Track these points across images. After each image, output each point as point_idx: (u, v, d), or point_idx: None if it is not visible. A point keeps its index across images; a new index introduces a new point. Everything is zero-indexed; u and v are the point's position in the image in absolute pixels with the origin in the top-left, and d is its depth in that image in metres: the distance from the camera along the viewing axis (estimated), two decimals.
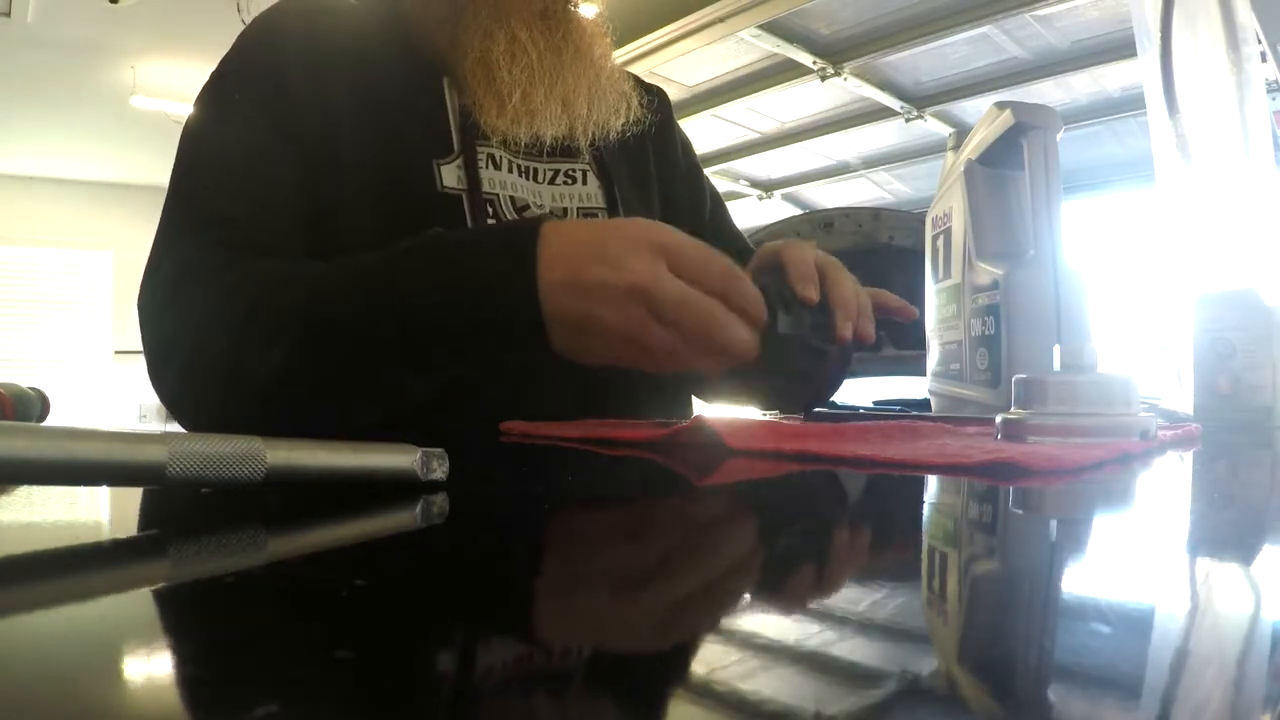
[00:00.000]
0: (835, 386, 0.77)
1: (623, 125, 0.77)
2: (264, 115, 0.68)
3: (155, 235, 0.65)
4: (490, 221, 0.72)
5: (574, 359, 0.53)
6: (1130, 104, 3.47)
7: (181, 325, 0.59)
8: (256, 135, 0.67)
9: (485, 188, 0.73)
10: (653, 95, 0.93)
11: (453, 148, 0.73)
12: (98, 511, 0.29)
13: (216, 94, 0.70)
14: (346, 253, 0.57)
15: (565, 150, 0.77)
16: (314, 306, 0.55)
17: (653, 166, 0.90)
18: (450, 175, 0.72)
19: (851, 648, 0.15)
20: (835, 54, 3.40)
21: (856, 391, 1.00)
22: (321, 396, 0.55)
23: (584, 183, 0.81)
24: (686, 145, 0.99)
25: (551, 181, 0.79)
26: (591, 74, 0.75)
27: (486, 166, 0.74)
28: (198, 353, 0.57)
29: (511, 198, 0.75)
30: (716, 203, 0.99)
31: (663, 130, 0.93)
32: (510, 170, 0.76)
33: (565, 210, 0.78)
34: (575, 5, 0.76)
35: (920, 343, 0.88)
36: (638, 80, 0.95)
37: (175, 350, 0.59)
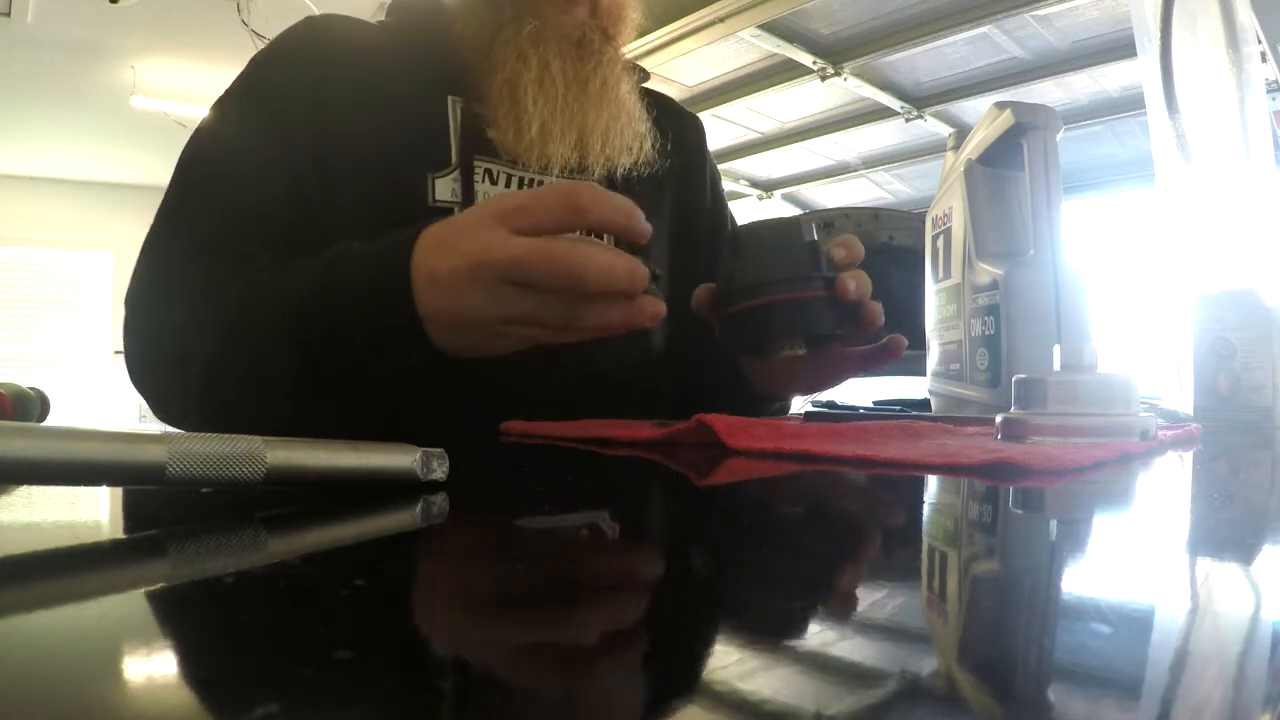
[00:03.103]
0: (836, 378, 0.76)
1: (632, 164, 0.78)
2: (263, 128, 0.71)
3: (145, 236, 0.70)
4: None
5: (470, 354, 0.54)
6: (1130, 104, 3.47)
7: (147, 323, 0.66)
8: (253, 146, 0.70)
9: (479, 200, 0.74)
10: (684, 124, 0.93)
11: (450, 161, 0.74)
12: (98, 511, 0.29)
13: (220, 107, 0.73)
14: None
15: (577, 170, 0.78)
16: (240, 314, 0.59)
17: (670, 198, 0.90)
18: (444, 188, 0.73)
19: (851, 648, 0.15)
20: (835, 54, 3.40)
21: (857, 391, 1.00)
22: (246, 401, 0.59)
23: None
24: (715, 180, 0.99)
25: None
26: (612, 111, 0.75)
27: (483, 180, 0.75)
28: (156, 339, 0.64)
29: None
30: None
31: (690, 166, 0.93)
32: (509, 184, 0.76)
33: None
34: (611, 38, 0.76)
35: (920, 343, 0.88)
36: (670, 106, 0.95)
37: (141, 336, 0.66)
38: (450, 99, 0.75)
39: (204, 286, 0.63)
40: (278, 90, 0.72)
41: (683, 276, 0.88)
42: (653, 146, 0.79)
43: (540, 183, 0.79)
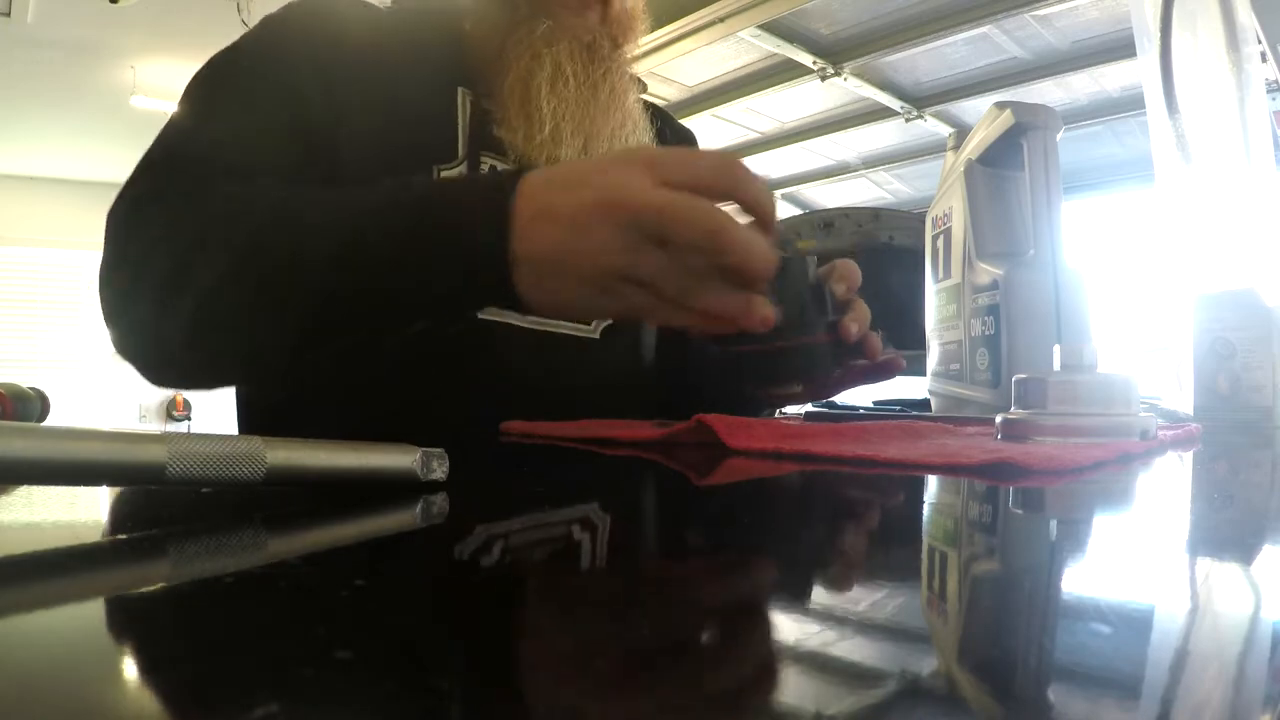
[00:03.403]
0: (827, 389, 0.76)
1: None
2: (266, 103, 0.67)
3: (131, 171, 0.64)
4: None
5: (541, 311, 0.49)
6: (1130, 104, 3.47)
7: (139, 234, 0.58)
8: (253, 119, 0.66)
9: None
10: (680, 138, 0.93)
11: (457, 154, 0.73)
12: (98, 511, 0.29)
13: (217, 77, 0.68)
14: None
15: None
16: (274, 209, 0.53)
17: None
18: None
19: (851, 648, 0.15)
20: (835, 54, 3.40)
21: (857, 392, 1.00)
22: (251, 314, 0.52)
23: None
24: None
25: None
26: (619, 118, 0.75)
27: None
28: (155, 244, 0.56)
29: None
30: None
31: None
32: None
33: None
34: (619, 46, 0.76)
35: (920, 343, 0.88)
36: (669, 120, 0.95)
37: (125, 257, 0.58)
38: (460, 90, 0.75)
39: (220, 196, 0.56)
40: (287, 56, 0.69)
41: None
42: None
43: None
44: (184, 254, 0.54)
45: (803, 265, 0.59)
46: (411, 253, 0.48)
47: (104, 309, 0.59)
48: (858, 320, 0.59)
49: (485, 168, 0.74)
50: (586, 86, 0.72)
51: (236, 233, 0.53)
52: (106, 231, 0.60)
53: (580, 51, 0.73)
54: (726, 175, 0.46)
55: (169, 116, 0.67)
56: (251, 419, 0.77)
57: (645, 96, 0.88)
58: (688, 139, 0.97)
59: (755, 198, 0.47)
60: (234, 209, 0.55)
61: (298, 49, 0.70)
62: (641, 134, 0.78)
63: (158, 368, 0.60)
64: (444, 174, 0.72)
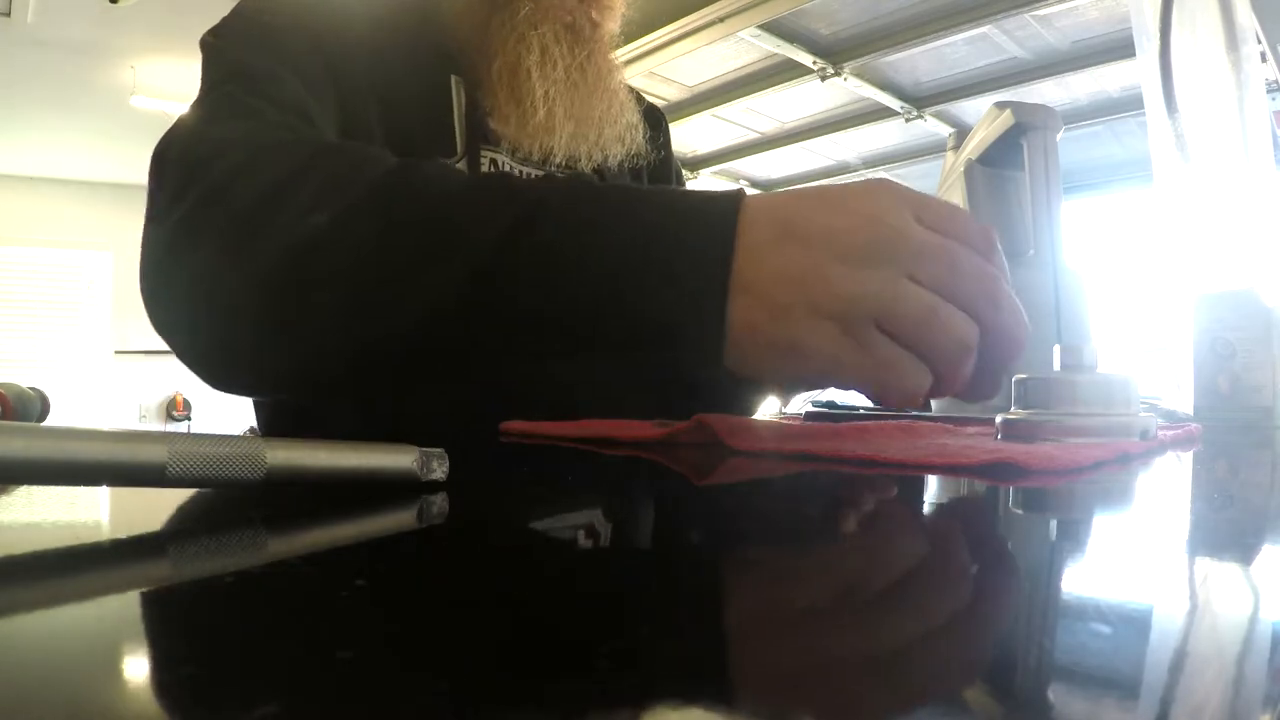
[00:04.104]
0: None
1: (623, 155, 0.77)
2: (307, 50, 0.61)
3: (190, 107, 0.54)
4: None
5: (752, 368, 0.38)
6: (1130, 104, 3.47)
7: (221, 149, 0.45)
8: (304, 65, 0.59)
9: None
10: (651, 119, 0.92)
11: (456, 148, 0.72)
12: (98, 511, 0.29)
13: (250, 28, 0.61)
14: None
15: (572, 161, 0.77)
16: (396, 175, 0.41)
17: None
18: None
19: (851, 648, 0.15)
20: (835, 54, 3.40)
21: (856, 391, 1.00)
22: (350, 293, 0.39)
23: None
24: (679, 172, 1.00)
25: None
26: (606, 100, 0.74)
27: (489, 169, 0.73)
28: (229, 181, 0.42)
29: None
30: None
31: (660, 154, 0.93)
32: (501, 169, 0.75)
33: None
34: (598, 25, 0.75)
35: None
36: (639, 98, 0.95)
37: (202, 175, 0.44)
38: (454, 79, 0.73)
39: (312, 138, 0.45)
40: (296, 26, 0.63)
41: None
42: (644, 138, 0.79)
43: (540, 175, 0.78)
44: (277, 181, 0.41)
45: None
46: (593, 258, 0.37)
47: (146, 269, 0.46)
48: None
49: (485, 161, 0.73)
50: (574, 69, 0.71)
51: (353, 177, 0.40)
52: (157, 169, 0.48)
53: (564, 33, 0.71)
54: (988, 237, 0.39)
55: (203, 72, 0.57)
56: (259, 414, 0.76)
57: (642, 93, 0.88)
58: (655, 120, 0.95)
59: (1005, 270, 0.40)
60: (337, 149, 0.43)
61: (304, 21, 0.66)
62: (629, 114, 0.77)
63: (216, 351, 0.45)
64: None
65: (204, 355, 0.46)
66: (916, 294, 0.36)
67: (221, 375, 0.47)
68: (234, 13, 0.65)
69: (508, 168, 0.75)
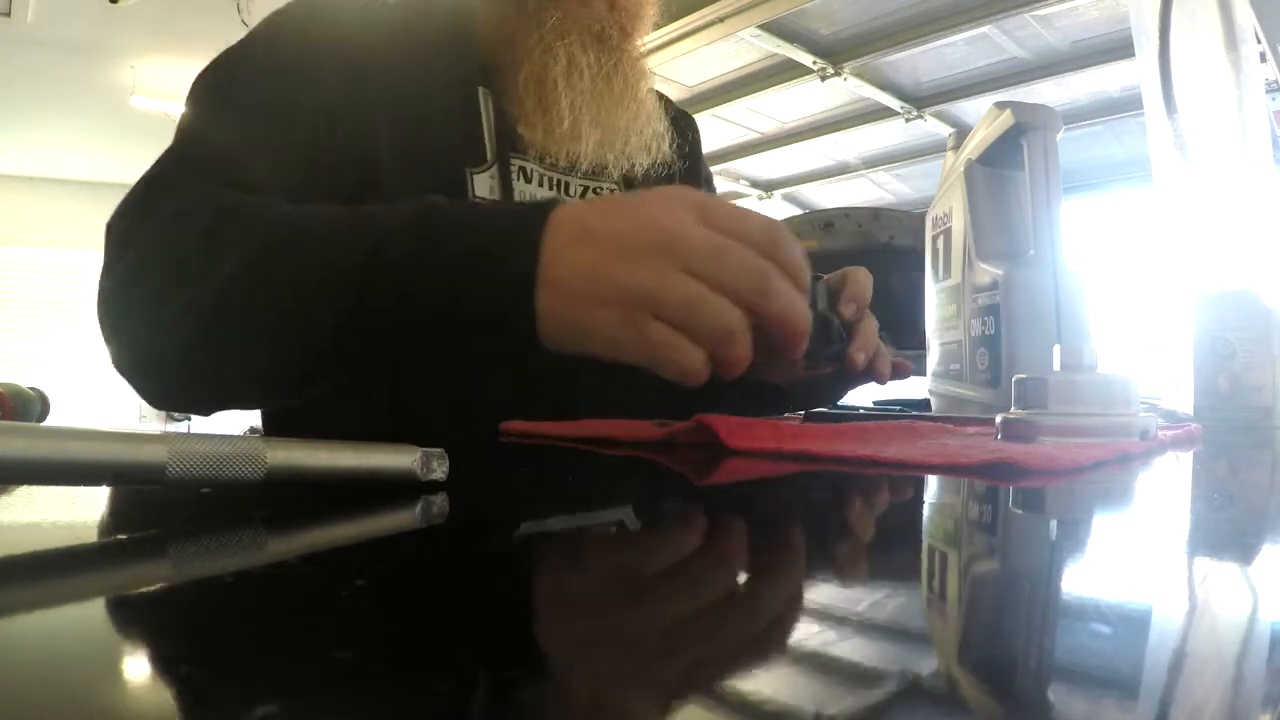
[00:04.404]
0: (830, 399, 0.76)
1: (650, 164, 0.77)
2: (289, 89, 0.65)
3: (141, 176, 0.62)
4: None
5: (557, 342, 0.45)
6: (1130, 104, 3.47)
7: (141, 231, 0.55)
8: (271, 122, 0.64)
9: (516, 199, 0.73)
10: (681, 125, 0.92)
11: (486, 157, 0.73)
12: (98, 511, 0.29)
13: (226, 78, 0.66)
14: None
15: (599, 168, 0.77)
16: (286, 221, 0.50)
17: None
18: (482, 185, 0.71)
19: (851, 648, 0.15)
20: (835, 54, 3.40)
21: (857, 392, 1.00)
22: (258, 329, 0.48)
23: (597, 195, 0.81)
24: (709, 179, 1.00)
25: (581, 196, 0.79)
26: (633, 109, 0.75)
27: (518, 179, 0.74)
28: (155, 246, 0.53)
29: None
30: None
31: (690, 162, 0.93)
32: (541, 184, 0.76)
33: None
34: (629, 35, 0.76)
35: (920, 343, 0.88)
36: (669, 107, 0.95)
37: (124, 256, 0.55)
38: (481, 90, 0.74)
39: (229, 200, 0.53)
40: (308, 52, 0.67)
41: None
42: (670, 147, 0.79)
43: (578, 187, 0.78)
44: (190, 250, 0.51)
45: (811, 295, 0.57)
46: (433, 269, 0.45)
47: (101, 316, 0.56)
48: (864, 348, 0.58)
49: (514, 169, 0.74)
50: (600, 78, 0.72)
51: (247, 235, 0.50)
52: (107, 236, 0.58)
53: (591, 42, 0.72)
54: (771, 235, 0.44)
55: (177, 122, 0.64)
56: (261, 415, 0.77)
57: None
58: (689, 126, 0.97)
59: (795, 265, 0.45)
60: (243, 213, 0.52)
61: (319, 44, 0.68)
62: (656, 123, 0.77)
63: (157, 381, 0.56)
64: (475, 177, 0.71)
65: (146, 381, 0.56)
66: (683, 284, 0.42)
67: (161, 400, 0.58)
68: (241, 43, 0.68)
69: (536, 175, 0.76)
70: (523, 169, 0.74)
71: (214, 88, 0.66)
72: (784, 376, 0.50)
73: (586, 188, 0.80)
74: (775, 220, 0.46)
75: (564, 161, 0.73)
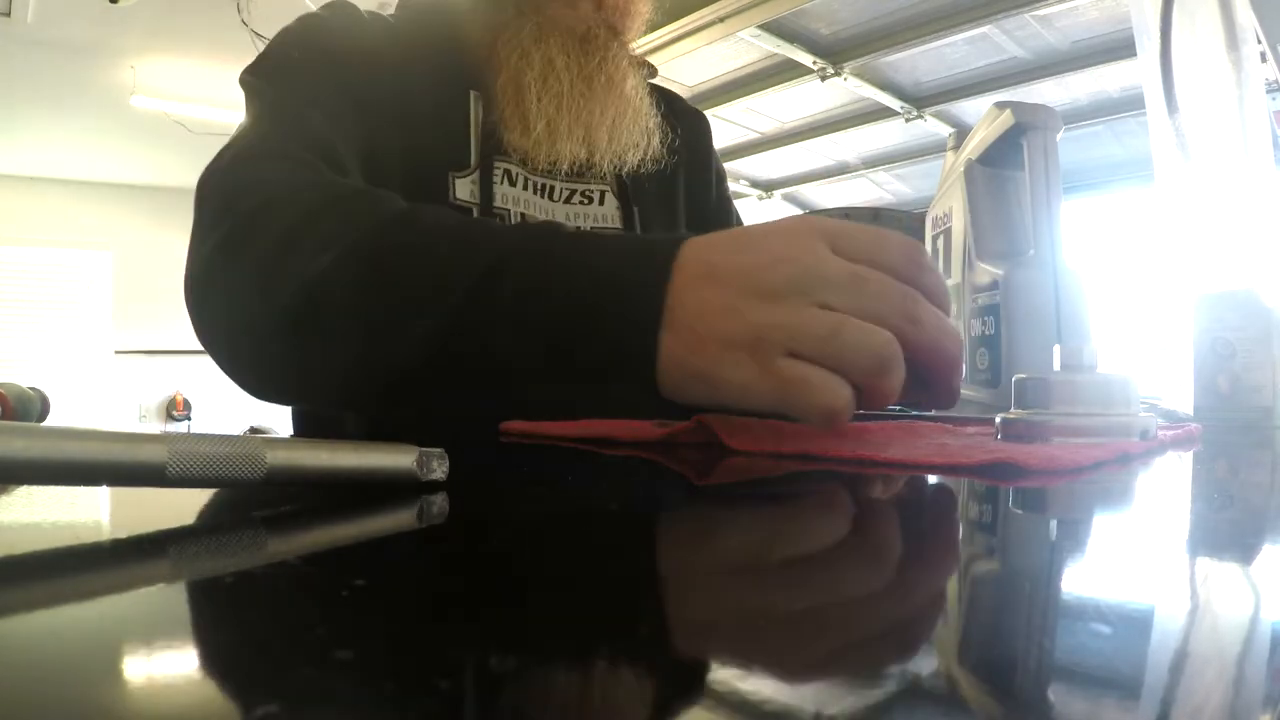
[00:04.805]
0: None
1: (640, 160, 0.77)
2: (338, 81, 0.67)
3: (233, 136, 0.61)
4: None
5: (678, 392, 0.42)
6: (1130, 104, 3.47)
7: (255, 191, 0.52)
8: (330, 96, 0.65)
9: (497, 203, 0.74)
10: (690, 120, 0.92)
11: (470, 161, 0.74)
12: (98, 511, 0.29)
13: (280, 65, 0.68)
14: None
15: (585, 168, 0.77)
16: (405, 217, 0.47)
17: (682, 193, 0.90)
18: (464, 188, 0.73)
19: (851, 647, 0.15)
20: (835, 54, 3.40)
21: None
22: (350, 316, 0.45)
23: (600, 203, 0.81)
24: (721, 176, 0.99)
25: (568, 200, 0.79)
26: (619, 106, 0.75)
27: (501, 182, 0.75)
28: (267, 213, 0.49)
29: (523, 214, 0.76)
30: None
31: (699, 158, 0.93)
32: (525, 187, 0.77)
33: (579, 229, 0.77)
34: (618, 33, 0.76)
35: None
36: (677, 103, 0.94)
37: (233, 211, 0.51)
38: (472, 94, 0.75)
39: (349, 185, 0.51)
40: (332, 62, 0.69)
41: None
42: (660, 143, 0.79)
43: (564, 190, 0.78)
44: (293, 226, 0.48)
45: None
46: (549, 303, 0.42)
47: (188, 287, 0.53)
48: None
49: (498, 173, 0.74)
50: (580, 79, 0.72)
51: (360, 218, 0.47)
52: (199, 195, 0.54)
53: (573, 45, 0.73)
54: (913, 257, 0.41)
55: (250, 110, 0.64)
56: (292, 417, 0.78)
57: (655, 81, 0.88)
58: (698, 121, 0.96)
59: (939, 288, 0.41)
60: (359, 199, 0.49)
61: (344, 45, 0.71)
62: (645, 119, 0.77)
63: (243, 356, 0.52)
64: (457, 181, 0.72)
65: (236, 369, 0.53)
66: (821, 316, 0.38)
67: (254, 386, 0.54)
68: (267, 50, 0.70)
69: (521, 178, 0.76)
70: (507, 172, 0.75)
71: (275, 75, 0.66)
72: (933, 406, 0.45)
73: (573, 190, 0.80)
74: (914, 241, 0.42)
75: (544, 164, 0.74)
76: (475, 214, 0.71)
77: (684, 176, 0.90)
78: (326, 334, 0.46)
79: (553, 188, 0.79)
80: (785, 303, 0.39)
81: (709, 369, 0.40)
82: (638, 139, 0.77)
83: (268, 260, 0.48)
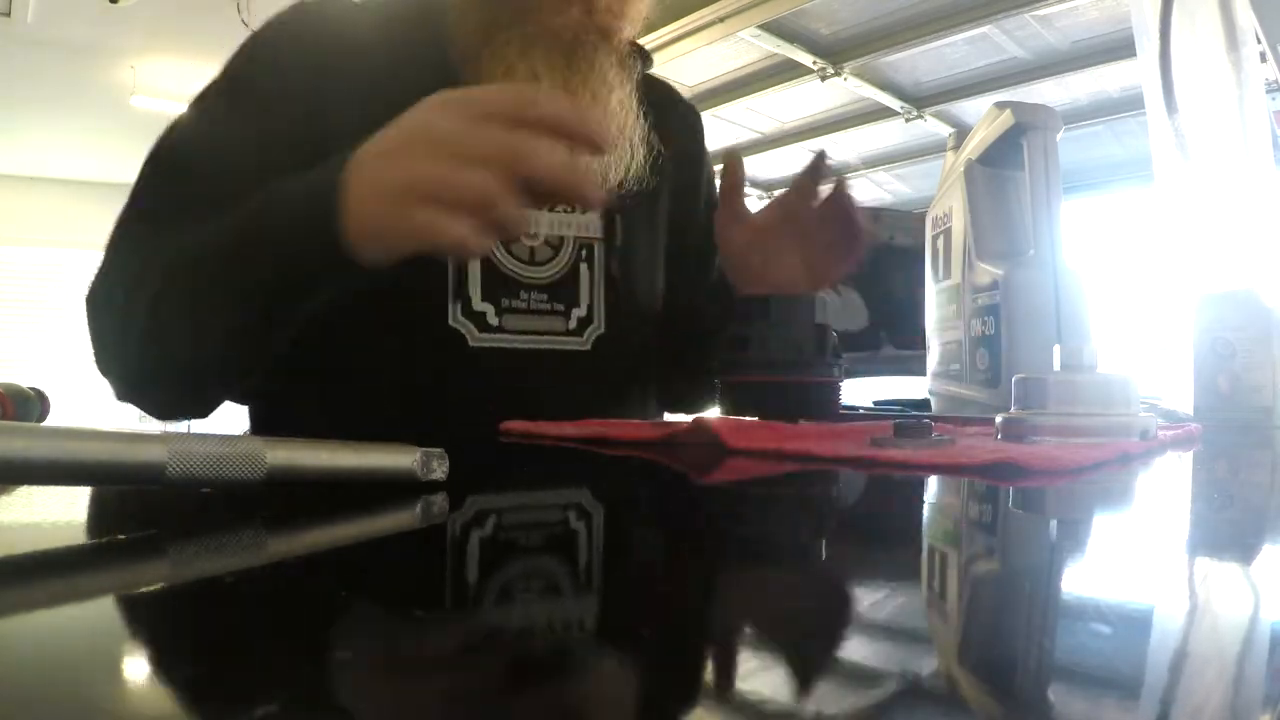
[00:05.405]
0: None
1: (624, 175, 0.76)
2: (250, 113, 0.69)
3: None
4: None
5: (366, 253, 0.51)
6: (1130, 104, 3.47)
7: (105, 272, 0.67)
8: (229, 140, 0.69)
9: None
10: (680, 114, 0.90)
11: None
12: (98, 511, 0.29)
13: (210, 88, 0.72)
14: None
15: None
16: (178, 253, 0.59)
17: (666, 194, 0.87)
18: None
19: (851, 648, 0.15)
20: (835, 54, 3.40)
21: (857, 391, 1.00)
22: (180, 326, 0.58)
23: (583, 212, 0.79)
24: (711, 180, 0.96)
25: (551, 209, 0.78)
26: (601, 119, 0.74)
27: None
28: (119, 278, 0.65)
29: None
30: None
31: (688, 153, 0.90)
32: None
33: (561, 239, 0.77)
34: (609, 35, 0.74)
35: (920, 343, 0.88)
36: (669, 95, 0.91)
37: (106, 275, 0.67)
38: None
39: (152, 240, 0.64)
40: (260, 87, 0.71)
41: (677, 264, 0.87)
42: (645, 157, 0.77)
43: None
44: (127, 284, 0.62)
45: (810, 305, 0.60)
46: (273, 229, 0.54)
47: (88, 323, 0.66)
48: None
49: None
50: (564, 93, 0.70)
51: (159, 262, 0.60)
52: (107, 246, 0.68)
53: (559, 58, 0.71)
54: (517, 104, 0.49)
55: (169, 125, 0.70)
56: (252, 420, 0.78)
57: (658, 74, 0.86)
58: (688, 113, 0.94)
59: (553, 118, 0.49)
60: (162, 243, 0.61)
61: (292, 59, 0.71)
62: (630, 133, 0.75)
63: (127, 386, 0.65)
64: None
65: (120, 383, 0.67)
66: (432, 169, 0.48)
67: (130, 399, 0.67)
68: (229, 63, 0.72)
69: None
70: None
71: (198, 100, 0.72)
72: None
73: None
74: (524, 89, 0.53)
75: None
76: None
77: (670, 174, 0.87)
78: (170, 342, 0.59)
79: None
80: (408, 161, 0.49)
81: (370, 223, 0.50)
82: (621, 155, 0.75)
83: (123, 307, 0.62)
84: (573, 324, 0.75)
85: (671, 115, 0.88)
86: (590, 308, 0.76)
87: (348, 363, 0.70)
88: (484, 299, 0.71)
